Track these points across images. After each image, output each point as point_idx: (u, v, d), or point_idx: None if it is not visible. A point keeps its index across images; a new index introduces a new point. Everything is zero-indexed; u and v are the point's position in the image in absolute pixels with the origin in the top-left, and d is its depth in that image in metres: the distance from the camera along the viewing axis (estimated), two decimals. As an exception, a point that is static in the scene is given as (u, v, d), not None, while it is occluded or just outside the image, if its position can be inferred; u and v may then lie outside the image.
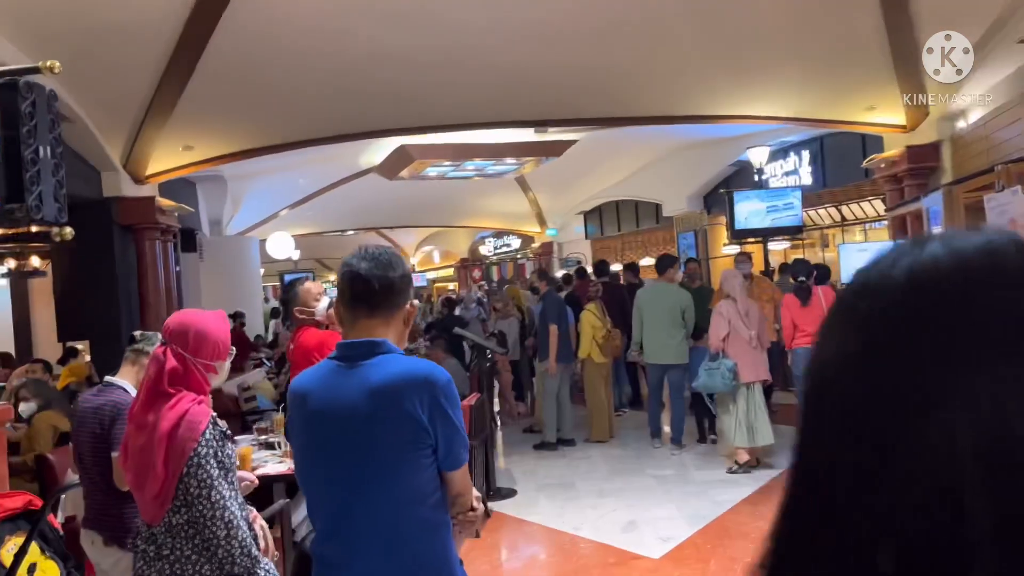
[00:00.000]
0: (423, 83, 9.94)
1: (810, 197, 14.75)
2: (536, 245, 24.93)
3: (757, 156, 12.20)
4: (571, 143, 15.23)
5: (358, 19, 8.22)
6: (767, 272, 10.72)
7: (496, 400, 9.29)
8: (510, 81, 10.08)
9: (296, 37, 8.13)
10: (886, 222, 12.60)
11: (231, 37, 7.57)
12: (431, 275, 34.89)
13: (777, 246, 15.08)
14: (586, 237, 22.95)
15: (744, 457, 6.75)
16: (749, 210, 11.17)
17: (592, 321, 7.97)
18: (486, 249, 29.34)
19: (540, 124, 10.83)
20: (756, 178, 13.44)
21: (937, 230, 7.87)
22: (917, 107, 10.22)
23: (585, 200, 21.54)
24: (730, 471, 6.78)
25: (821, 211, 14.92)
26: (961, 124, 10.12)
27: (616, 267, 20.34)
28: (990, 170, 7.18)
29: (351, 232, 30.27)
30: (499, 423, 9.14)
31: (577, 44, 9.41)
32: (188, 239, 13.38)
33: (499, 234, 28.07)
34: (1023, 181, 6.47)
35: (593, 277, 10.35)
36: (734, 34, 9.34)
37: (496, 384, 9.14)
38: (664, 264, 7.99)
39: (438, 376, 2.01)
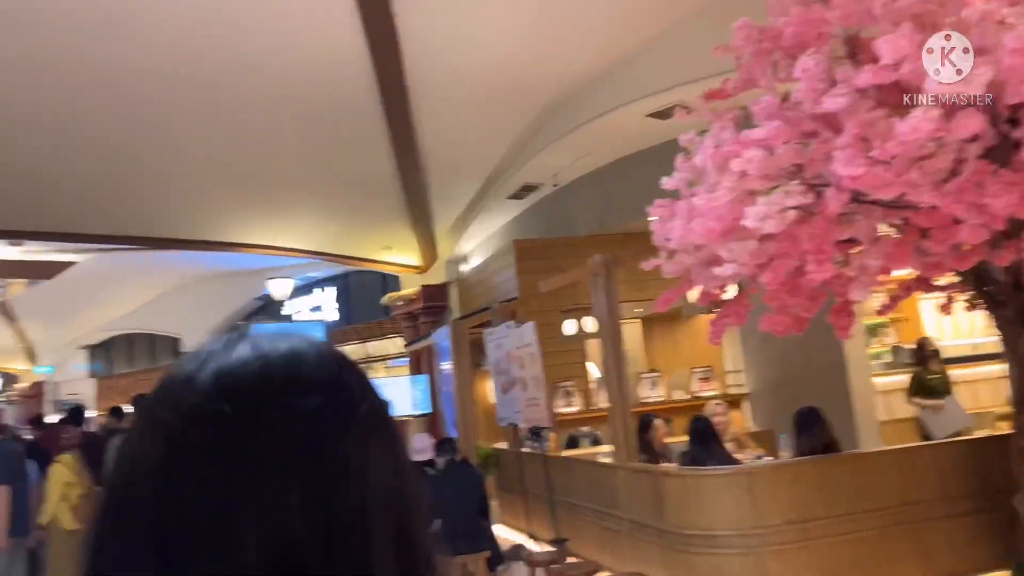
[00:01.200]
0: None
1: (336, 334, 14.79)
2: (24, 384, 20.81)
3: (279, 288, 11.76)
4: (67, 264, 13.09)
5: None
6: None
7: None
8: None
9: None
10: (408, 358, 13.11)
11: None
12: None
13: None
14: (91, 375, 19.87)
15: None
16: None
17: (65, 476, 6.30)
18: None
19: (14, 236, 8.88)
20: (279, 309, 12.94)
21: (446, 365, 8.18)
22: (429, 250, 10.93)
23: (89, 332, 18.75)
24: None
25: (348, 347, 15.06)
26: (464, 268, 11.06)
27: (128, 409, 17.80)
28: (487, 308, 7.71)
29: None
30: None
31: (70, 147, 8.03)
32: None
33: (-26, 373, 22.84)
34: (515, 319, 7.03)
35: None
36: (254, 163, 8.92)
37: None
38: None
39: None
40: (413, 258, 11.31)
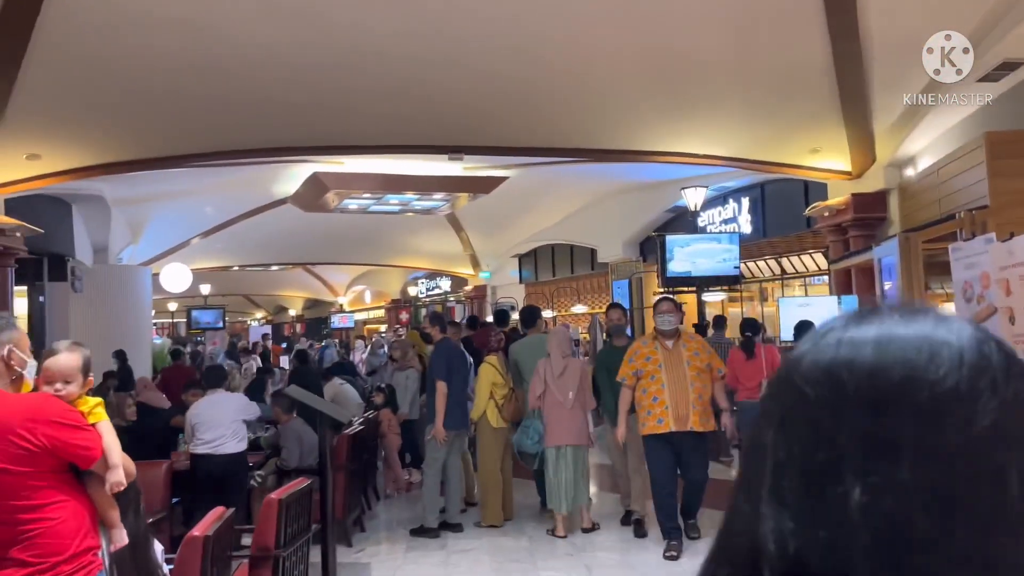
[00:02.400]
0: (321, 96, 8.75)
1: (749, 248, 13.91)
2: (469, 288, 23.78)
3: (693, 197, 11.24)
4: (501, 180, 14.17)
5: (230, 13, 7.00)
6: (701, 326, 9.62)
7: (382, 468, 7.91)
8: (422, 101, 8.96)
9: (152, 29, 6.86)
10: (826, 277, 11.78)
11: (62, 22, 6.26)
12: (360, 316, 33.31)
13: (713, 297, 14.15)
14: (520, 281, 21.90)
15: (560, 530, 6.10)
16: (684, 255, 10.12)
17: (492, 376, 6.70)
18: (417, 291, 28.00)
19: (455, 151, 9.69)
20: (692, 221, 12.50)
21: (888, 286, 6.92)
22: (864, 152, 9.41)
23: (519, 243, 20.51)
24: (550, 532, 6.19)
25: (760, 263, 14.13)
26: (910, 172, 9.32)
27: (548, 314, 19.28)
28: (951, 217, 6.25)
29: (276, 267, 28.72)
30: (379, 497, 7.75)
31: (497, 64, 8.36)
32: (57, 266, 11.79)
33: (432, 275, 26.83)
34: (986, 231, 5.54)
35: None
36: (671, 63, 8.40)
37: (382, 450, 7.77)
38: (533, 316, 7.56)
39: None
40: (843, 163, 9.88)
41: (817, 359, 0.55)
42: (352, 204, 15.79)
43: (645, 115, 9.33)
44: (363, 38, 7.71)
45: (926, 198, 8.52)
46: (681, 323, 5.92)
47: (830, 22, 7.14)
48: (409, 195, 15.35)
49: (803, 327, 7.96)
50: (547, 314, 18.96)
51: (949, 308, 7.52)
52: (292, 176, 14.16)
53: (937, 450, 0.50)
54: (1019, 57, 6.83)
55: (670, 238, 10.21)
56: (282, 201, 16.08)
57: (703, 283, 9.81)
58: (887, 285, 6.80)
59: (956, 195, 7.49)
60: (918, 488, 0.49)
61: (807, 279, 13.65)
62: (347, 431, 5.86)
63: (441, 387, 6.20)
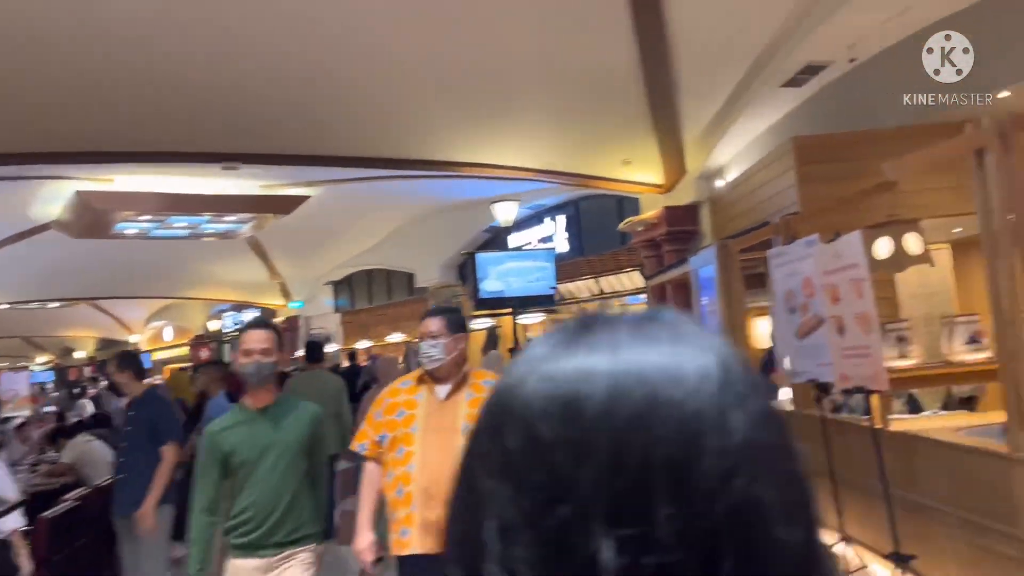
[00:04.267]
0: (63, 92, 7.24)
1: (567, 268, 13.54)
2: (280, 320, 22.03)
3: (504, 212, 10.58)
4: (302, 199, 12.91)
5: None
6: (517, 350, 8.86)
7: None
8: (188, 101, 7.65)
9: None
10: (644, 296, 11.53)
11: None
12: (162, 355, 30.24)
13: (531, 319, 13.64)
14: (335, 310, 20.53)
15: None
16: (497, 274, 9.35)
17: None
18: (222, 324, 25.77)
19: (229, 159, 8.40)
20: (508, 242, 11.86)
21: (706, 301, 6.47)
22: (674, 163, 9.15)
23: (333, 269, 19.24)
24: None
25: (580, 283, 13.81)
26: (720, 183, 9.14)
27: (364, 344, 18.06)
28: (765, 224, 5.87)
29: (55, 304, 25.38)
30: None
31: (276, 63, 7.26)
32: None
33: (239, 307, 24.74)
34: (796, 239, 5.16)
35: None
36: (471, 67, 7.65)
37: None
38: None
39: None
40: (654, 175, 9.59)
41: (544, 388, 0.47)
42: (130, 228, 13.83)
43: (445, 123, 8.55)
44: (113, 19, 6.36)
45: (737, 208, 8.31)
46: (462, 355, 3.26)
47: (637, 22, 6.69)
48: (200, 216, 13.68)
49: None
50: (364, 344, 17.75)
51: (767, 323, 7.25)
52: (53, 196, 12.19)
53: (694, 484, 0.43)
54: (822, 60, 6.67)
55: (481, 256, 9.44)
56: (45, 226, 13.90)
57: (518, 304, 9.12)
58: (704, 300, 6.34)
59: (767, 203, 7.25)
60: (678, 533, 0.43)
61: (626, 298, 13.49)
62: (51, 513, 4.42)
63: (168, 450, 4.79)
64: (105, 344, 33.16)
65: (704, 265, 6.14)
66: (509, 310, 9.15)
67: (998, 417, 3.27)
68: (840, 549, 4.09)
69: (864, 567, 3.97)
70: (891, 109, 6.64)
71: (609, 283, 13.31)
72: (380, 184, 11.99)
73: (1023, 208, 3.06)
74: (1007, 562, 3.17)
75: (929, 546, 3.73)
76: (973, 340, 4.32)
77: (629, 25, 6.73)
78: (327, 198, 13.10)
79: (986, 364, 4.19)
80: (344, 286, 20.24)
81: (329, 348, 18.22)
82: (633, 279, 12.37)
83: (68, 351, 35.79)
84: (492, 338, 7.11)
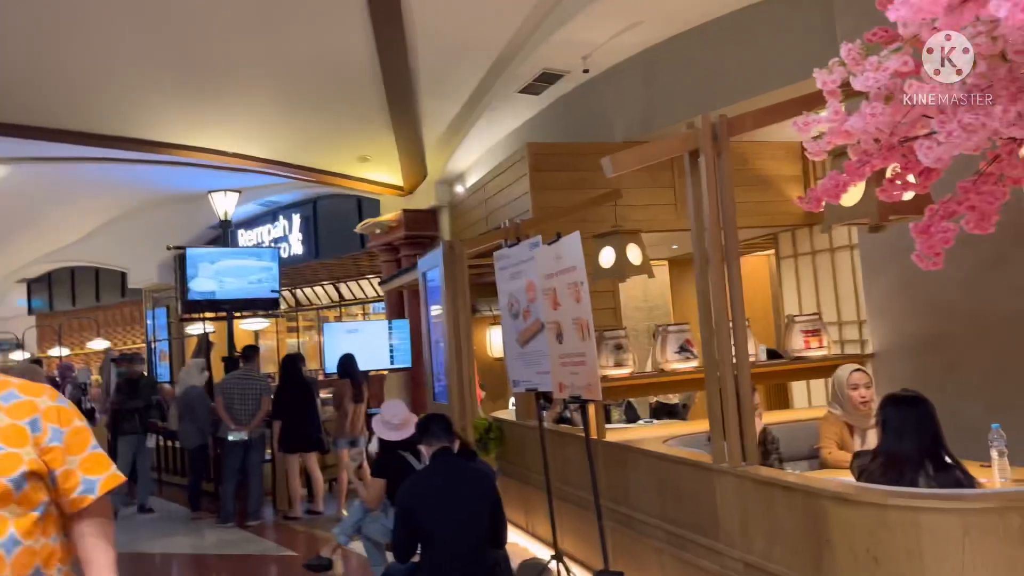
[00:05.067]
0: None
1: (303, 271, 12.71)
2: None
3: (222, 204, 9.53)
4: (-21, 177, 10.83)
5: None
6: (232, 359, 7.85)
7: None
8: None
9: None
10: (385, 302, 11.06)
11: None
12: None
13: (257, 325, 12.58)
14: (29, 312, 17.73)
15: None
16: (211, 273, 8.28)
17: None
18: None
19: None
20: (237, 241, 10.77)
21: (436, 310, 6.08)
22: (415, 165, 8.79)
23: (27, 264, 16.55)
24: None
25: (318, 288, 13.02)
26: (460, 189, 8.94)
27: (56, 351, 15.74)
28: (496, 228, 5.65)
29: None
30: None
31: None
32: None
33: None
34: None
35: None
36: (186, 41, 6.70)
37: None
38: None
39: None
40: (394, 176, 9.18)
41: None
42: None
43: (154, 100, 7.46)
44: None
45: (475, 215, 8.13)
46: None
47: (372, 11, 6.20)
48: None
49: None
50: (56, 352, 15.43)
51: (498, 330, 7.07)
52: None
53: None
54: (557, 68, 6.65)
55: (193, 252, 8.33)
56: None
57: (233, 307, 8.17)
58: (434, 309, 5.98)
59: (503, 210, 7.10)
60: None
61: (367, 305, 12.91)
62: None
63: None
64: None
65: (432, 268, 5.78)
66: (223, 314, 8.17)
67: (706, 426, 3.20)
68: (552, 567, 3.87)
69: (574, 586, 3.78)
70: (621, 122, 6.80)
71: (350, 289, 12.68)
72: (87, 167, 10.38)
73: (732, 209, 3.00)
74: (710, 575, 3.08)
75: (639, 561, 3.61)
76: (683, 349, 4.35)
77: (364, 13, 6.24)
78: (18, 179, 11.12)
79: (695, 373, 4.22)
80: (42, 285, 17.56)
81: (15, 356, 15.65)
82: (375, 286, 11.87)
83: None
84: (205, 345, 6.27)
